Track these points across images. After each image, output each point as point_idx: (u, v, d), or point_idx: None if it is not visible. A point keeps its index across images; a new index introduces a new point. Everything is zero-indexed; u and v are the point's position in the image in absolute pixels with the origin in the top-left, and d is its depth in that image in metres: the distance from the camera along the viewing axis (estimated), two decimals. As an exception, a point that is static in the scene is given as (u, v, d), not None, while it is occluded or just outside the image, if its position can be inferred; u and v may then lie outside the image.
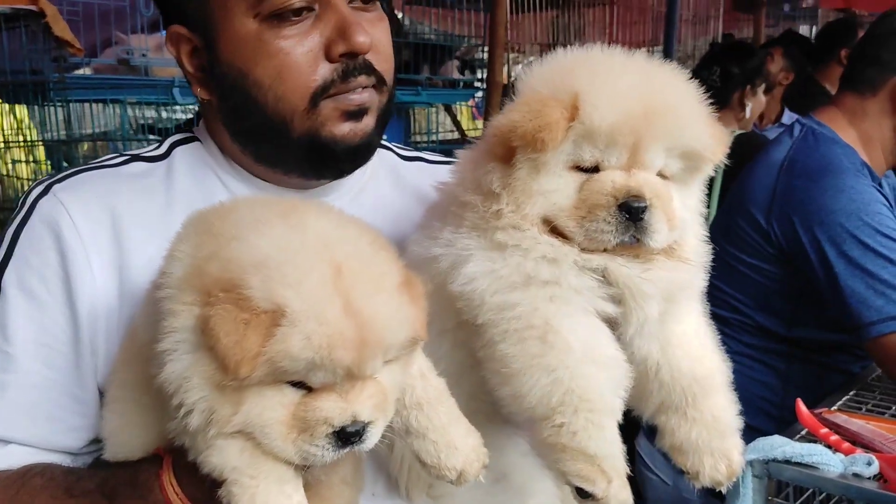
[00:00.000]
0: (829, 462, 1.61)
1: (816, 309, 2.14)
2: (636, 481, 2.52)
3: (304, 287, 0.86)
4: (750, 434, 2.06)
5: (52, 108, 3.27)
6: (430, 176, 1.41)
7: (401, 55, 3.89)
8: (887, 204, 2.08)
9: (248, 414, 0.88)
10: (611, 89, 1.00)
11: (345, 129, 1.20)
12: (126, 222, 1.22)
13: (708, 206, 3.54)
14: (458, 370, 1.09)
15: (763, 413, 2.24)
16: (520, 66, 6.25)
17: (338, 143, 1.20)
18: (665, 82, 1.05)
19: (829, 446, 1.70)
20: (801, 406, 1.82)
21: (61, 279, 1.18)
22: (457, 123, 5.53)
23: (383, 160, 1.44)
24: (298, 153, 1.21)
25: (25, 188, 4.04)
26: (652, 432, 2.36)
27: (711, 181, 3.63)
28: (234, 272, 0.87)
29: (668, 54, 5.28)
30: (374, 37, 1.20)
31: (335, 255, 0.89)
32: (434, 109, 4.56)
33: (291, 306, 0.85)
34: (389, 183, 1.42)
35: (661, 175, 1.05)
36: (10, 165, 4.33)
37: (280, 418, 0.89)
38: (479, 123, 5.74)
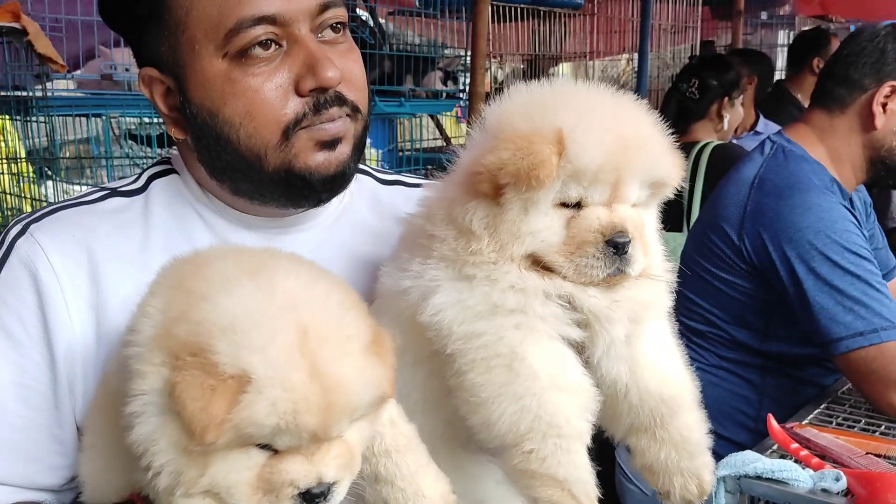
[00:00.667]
0: (799, 478, 1.65)
1: (788, 324, 2.18)
2: (616, 491, 2.55)
3: (270, 352, 0.86)
4: (727, 445, 2.12)
5: (34, 124, 3.28)
6: (410, 199, 1.44)
7: (384, 66, 3.92)
8: (855, 221, 2.12)
9: (214, 476, 0.89)
10: (594, 128, 1.02)
11: (319, 158, 1.20)
12: (103, 261, 1.22)
13: (689, 218, 3.57)
14: (434, 399, 1.09)
15: (739, 425, 2.28)
16: (501, 73, 6.30)
17: (313, 173, 1.20)
18: (635, 117, 1.08)
19: (799, 462, 1.74)
20: (772, 421, 1.87)
21: (39, 320, 1.19)
22: (441, 131, 5.58)
23: (362, 185, 1.44)
24: (274, 186, 1.21)
25: (7, 200, 4.05)
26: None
27: (691, 193, 3.69)
28: (202, 336, 0.87)
29: (642, 63, 5.35)
30: (346, 67, 1.20)
31: (302, 318, 0.89)
32: (418, 120, 4.59)
33: (257, 372, 0.85)
34: (368, 207, 1.43)
35: (633, 205, 1.09)
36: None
37: (246, 480, 0.89)
38: (465, 128, 5.77)
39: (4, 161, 4.17)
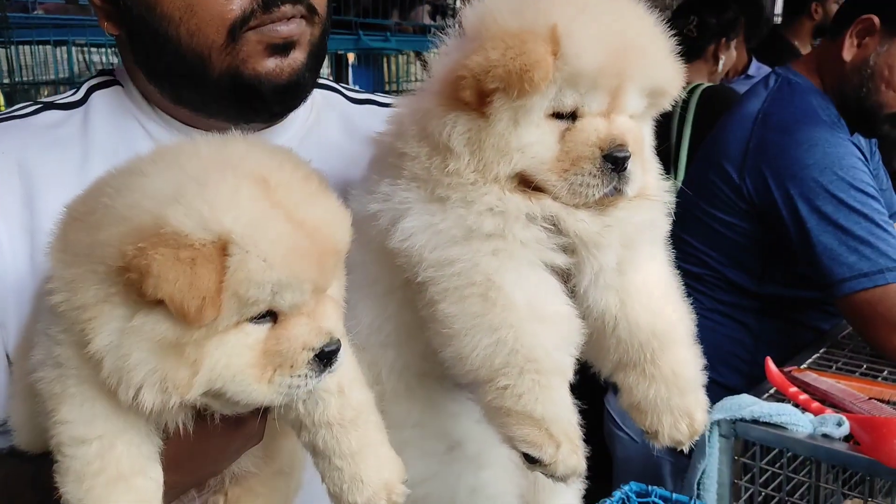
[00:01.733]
0: (798, 422, 1.59)
1: (787, 266, 2.10)
2: (605, 438, 2.50)
3: (240, 207, 0.77)
4: (720, 391, 2.04)
5: (11, 49, 3.10)
6: (383, 119, 1.34)
7: None
8: (863, 158, 2.03)
9: (211, 370, 0.80)
10: (593, 26, 0.92)
11: (270, 65, 1.10)
12: (38, 180, 1.12)
13: (677, 162, 3.47)
14: (407, 331, 1.03)
15: (734, 370, 2.22)
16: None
17: (262, 81, 1.10)
18: (637, 17, 0.98)
19: (798, 406, 1.68)
20: (771, 364, 1.79)
21: None
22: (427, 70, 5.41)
23: (331, 103, 1.35)
24: (220, 94, 1.11)
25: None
26: (612, 389, 2.34)
27: (679, 135, 3.58)
28: (149, 212, 0.77)
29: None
30: None
31: (255, 169, 0.81)
32: (405, 57, 4.43)
33: (234, 231, 0.76)
34: (338, 127, 1.33)
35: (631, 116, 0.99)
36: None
37: (249, 362, 0.81)
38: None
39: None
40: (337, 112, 1.34)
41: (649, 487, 1.47)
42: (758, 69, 4.31)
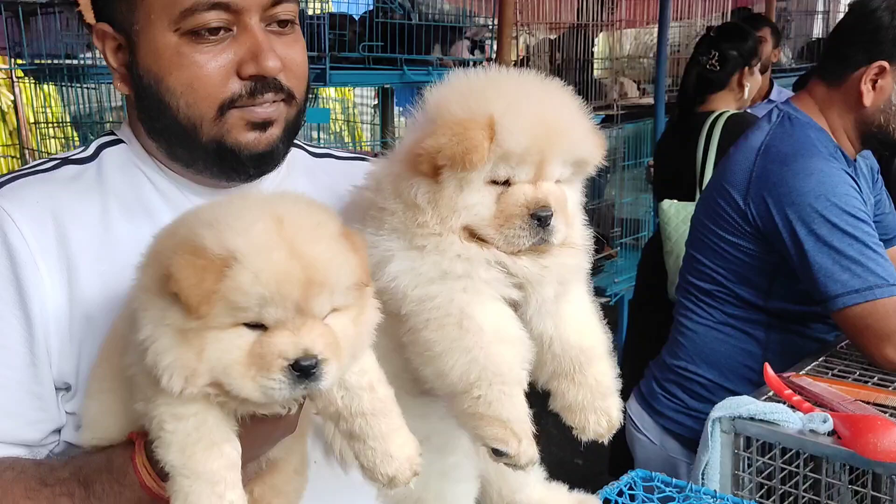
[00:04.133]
0: (789, 419, 1.79)
1: (791, 283, 2.29)
2: (626, 441, 2.70)
3: (251, 235, 0.97)
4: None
5: (81, 90, 3.46)
6: (340, 172, 1.50)
7: (413, 36, 4.03)
8: (856, 186, 2.22)
9: (209, 359, 0.98)
10: (521, 115, 1.15)
11: (250, 137, 1.28)
12: (68, 224, 1.27)
13: (701, 186, 3.64)
14: (383, 354, 1.19)
15: (744, 379, 2.39)
16: (532, 40, 6.35)
17: (242, 149, 1.28)
18: (560, 104, 1.20)
19: (791, 406, 1.88)
20: (769, 369, 2.00)
21: (12, 283, 1.23)
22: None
23: (296, 159, 1.51)
24: (206, 156, 1.29)
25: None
26: (644, 402, 2.53)
27: (704, 161, 3.77)
28: (191, 232, 0.99)
29: (662, 32, 5.37)
30: (288, 56, 1.29)
31: (277, 210, 1.01)
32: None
33: (241, 251, 0.95)
34: (304, 180, 1.49)
35: (557, 181, 1.22)
36: (39, 141, 4.54)
37: (238, 359, 0.98)
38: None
39: (51, 126, 4.39)
40: (302, 166, 1.53)
41: (653, 474, 1.69)
42: (779, 94, 4.46)
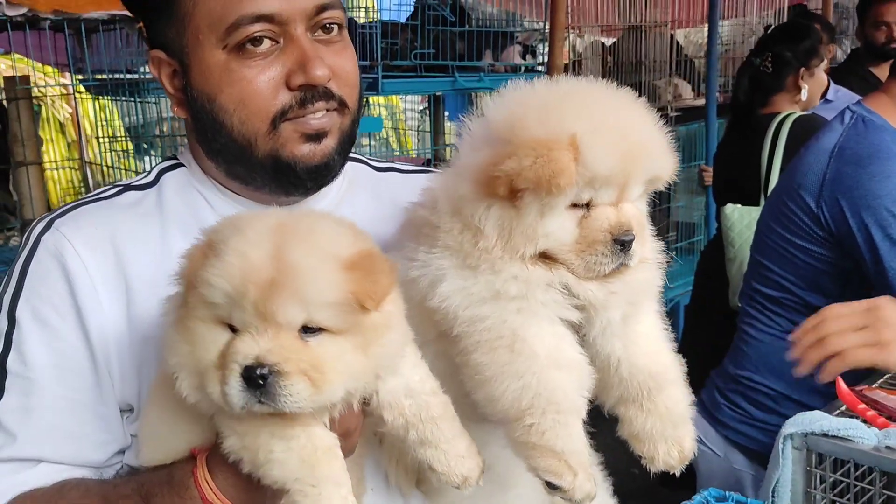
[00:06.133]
0: (864, 436, 1.71)
1: (864, 289, 2.19)
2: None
3: (244, 232, 0.98)
4: (800, 410, 2.15)
5: (139, 105, 3.54)
6: (404, 186, 1.49)
7: (464, 42, 4.02)
8: (932, 189, 2.13)
9: (194, 354, 0.99)
10: (607, 135, 1.09)
11: (304, 149, 1.28)
12: (126, 249, 1.30)
13: (767, 189, 3.54)
14: (441, 377, 1.17)
15: (813, 390, 2.28)
16: (581, 43, 6.29)
17: (298, 163, 1.28)
18: (641, 119, 1.15)
19: (865, 421, 1.80)
20: (841, 383, 1.92)
21: (71, 306, 1.25)
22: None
23: (359, 173, 1.51)
24: (263, 172, 1.30)
25: (111, 173, 4.37)
26: (706, 413, 2.47)
27: (770, 164, 3.68)
28: (213, 231, 1.03)
29: (712, 31, 5.25)
30: (336, 64, 1.28)
31: (284, 221, 1.01)
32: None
33: (226, 243, 0.96)
34: (367, 195, 1.50)
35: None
36: (96, 153, 4.66)
37: (212, 359, 0.98)
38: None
39: (107, 139, 4.50)
40: (364, 180, 1.52)
41: (727, 493, 1.64)
42: (836, 92, 4.32)
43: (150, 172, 1.43)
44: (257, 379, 0.94)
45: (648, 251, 1.19)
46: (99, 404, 1.27)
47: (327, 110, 1.28)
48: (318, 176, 1.32)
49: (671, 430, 1.21)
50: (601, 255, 1.11)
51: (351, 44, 1.36)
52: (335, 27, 1.30)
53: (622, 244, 1.12)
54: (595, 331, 1.17)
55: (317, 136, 1.28)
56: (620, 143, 1.10)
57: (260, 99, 1.25)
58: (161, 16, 1.29)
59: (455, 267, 1.14)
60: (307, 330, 0.99)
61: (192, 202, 1.37)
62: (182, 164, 1.42)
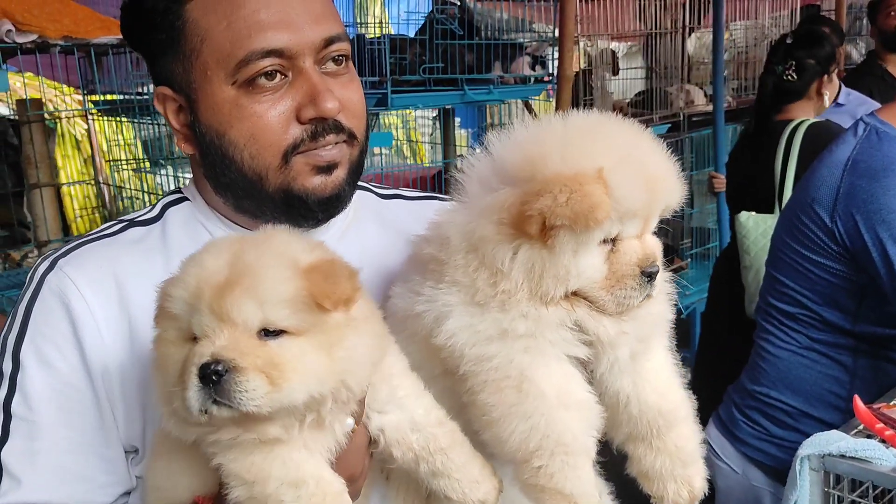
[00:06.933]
0: (882, 457, 1.69)
1: (880, 305, 2.17)
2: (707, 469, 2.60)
3: (205, 247, 1.03)
4: (818, 426, 2.15)
5: (152, 126, 3.57)
6: (410, 212, 1.50)
7: (473, 55, 4.02)
8: (948, 203, 2.10)
9: (164, 378, 1.00)
10: (633, 169, 1.09)
11: (316, 181, 1.28)
12: (130, 286, 1.29)
13: (781, 197, 3.50)
14: (447, 414, 1.16)
15: (831, 406, 2.30)
16: (592, 50, 6.27)
17: (309, 195, 1.28)
18: (656, 151, 1.14)
19: (883, 441, 1.77)
20: (858, 402, 1.89)
21: (75, 347, 1.25)
22: (531, 112, 5.62)
23: (364, 201, 1.50)
24: (273, 205, 1.30)
25: (125, 193, 4.41)
26: (724, 429, 2.44)
27: (784, 173, 3.64)
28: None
29: (717, 34, 5.20)
30: (345, 97, 1.28)
31: (250, 236, 1.04)
32: (507, 106, 4.67)
33: (188, 259, 1.01)
34: (372, 222, 1.49)
35: None
36: (112, 173, 4.71)
37: (176, 372, 0.98)
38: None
39: (123, 161, 4.54)
40: (370, 208, 1.52)
41: (744, 515, 1.62)
42: (847, 96, 4.28)
43: (153, 207, 1.44)
44: (211, 375, 0.92)
45: (660, 281, 1.18)
46: (104, 447, 1.26)
47: (337, 143, 1.29)
48: (330, 207, 1.32)
49: (681, 469, 1.19)
50: (630, 289, 1.10)
51: (356, 75, 1.36)
52: (343, 59, 1.31)
53: (649, 276, 1.11)
54: (602, 367, 1.16)
55: (328, 168, 1.29)
56: (645, 176, 1.09)
57: (271, 133, 1.25)
58: (166, 52, 1.29)
59: (462, 303, 1.12)
60: (267, 333, 0.97)
61: (196, 237, 1.36)
62: (186, 198, 1.42)
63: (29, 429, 1.23)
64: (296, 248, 1.03)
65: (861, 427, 1.86)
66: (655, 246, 1.13)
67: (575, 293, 1.11)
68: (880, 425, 1.82)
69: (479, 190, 1.16)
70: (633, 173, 1.08)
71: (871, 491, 1.72)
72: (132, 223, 1.40)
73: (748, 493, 2.39)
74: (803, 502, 1.81)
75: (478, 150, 1.20)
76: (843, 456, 1.74)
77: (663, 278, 1.18)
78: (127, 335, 1.28)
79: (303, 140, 1.26)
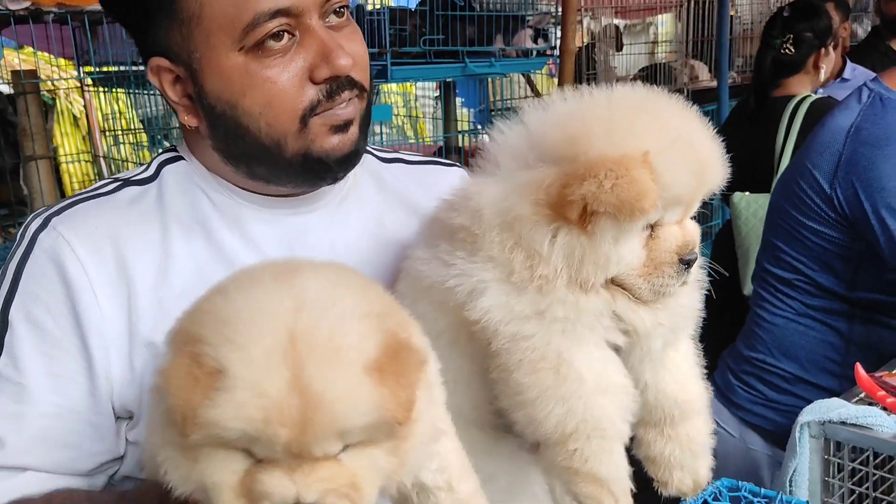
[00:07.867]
0: (883, 423, 1.68)
1: (877, 272, 2.16)
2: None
3: (251, 352, 0.80)
4: (814, 391, 2.16)
5: (149, 97, 3.53)
6: (411, 177, 1.46)
7: (475, 27, 3.97)
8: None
9: (201, 473, 0.84)
10: (681, 153, 1.03)
11: (334, 141, 1.25)
12: (127, 249, 1.25)
13: (779, 172, 3.48)
14: (464, 380, 1.13)
15: (826, 371, 2.30)
16: (596, 25, 6.21)
17: (329, 155, 1.25)
18: (703, 131, 1.09)
19: (885, 408, 1.76)
20: (860, 370, 1.88)
21: (69, 310, 1.21)
22: (533, 87, 5.58)
23: (365, 164, 1.45)
24: (292, 169, 1.26)
25: (128, 167, 4.39)
26: (720, 395, 2.44)
27: (783, 150, 3.61)
28: (200, 325, 0.84)
29: (722, 9, 5.14)
30: (352, 50, 1.24)
31: (298, 322, 0.82)
32: (509, 78, 4.62)
33: (232, 370, 0.79)
34: (372, 186, 1.46)
35: None
36: (110, 147, 4.68)
37: (229, 483, 0.83)
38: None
39: (120, 132, 4.51)
40: (370, 172, 1.47)
41: (739, 483, 1.60)
42: (852, 71, 4.23)
43: (149, 165, 1.38)
44: None
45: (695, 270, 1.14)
46: (92, 413, 1.22)
47: (350, 98, 1.26)
48: (348, 163, 1.29)
49: (689, 459, 1.18)
50: (668, 276, 1.06)
51: (357, 26, 1.32)
52: (343, 10, 1.27)
53: (687, 263, 1.07)
54: (634, 358, 1.13)
55: (344, 126, 1.26)
56: (694, 161, 1.04)
57: (287, 98, 1.21)
58: (158, 20, 1.23)
59: (497, 280, 1.07)
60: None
61: (192, 199, 1.32)
62: (182, 158, 1.37)
63: (16, 391, 1.19)
64: (362, 341, 0.85)
65: (862, 395, 1.85)
66: (695, 232, 1.09)
67: (612, 280, 1.07)
68: (882, 393, 1.81)
69: (512, 163, 1.11)
70: (681, 157, 1.03)
71: (871, 458, 1.70)
72: (128, 182, 1.34)
73: (745, 456, 2.39)
74: (803, 469, 1.80)
75: (512, 121, 1.13)
76: (843, 423, 1.72)
77: (698, 265, 1.14)
78: (125, 300, 1.23)
79: (319, 101, 1.22)
